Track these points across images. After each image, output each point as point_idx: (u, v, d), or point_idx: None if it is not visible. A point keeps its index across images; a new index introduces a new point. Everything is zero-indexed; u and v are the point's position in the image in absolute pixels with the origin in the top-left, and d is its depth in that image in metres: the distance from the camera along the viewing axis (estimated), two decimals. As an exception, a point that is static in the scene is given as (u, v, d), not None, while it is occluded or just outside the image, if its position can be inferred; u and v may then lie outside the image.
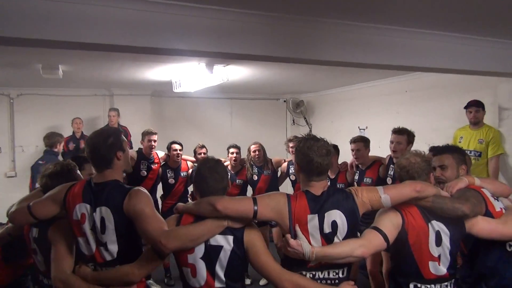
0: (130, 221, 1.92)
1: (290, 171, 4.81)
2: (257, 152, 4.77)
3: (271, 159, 4.95)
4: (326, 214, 1.91)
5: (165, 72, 5.37)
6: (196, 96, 7.37)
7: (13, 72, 5.19)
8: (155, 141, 4.65)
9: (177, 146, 4.73)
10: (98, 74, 5.56)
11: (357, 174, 4.14)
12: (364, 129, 6.95)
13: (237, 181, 4.82)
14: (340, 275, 1.97)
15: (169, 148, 4.78)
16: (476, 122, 4.38)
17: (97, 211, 1.95)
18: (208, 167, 2.02)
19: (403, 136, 3.78)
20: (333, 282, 1.96)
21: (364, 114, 7.02)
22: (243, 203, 1.91)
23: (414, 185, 2.01)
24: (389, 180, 3.87)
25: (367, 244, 1.90)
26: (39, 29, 2.25)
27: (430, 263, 2.01)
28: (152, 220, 1.89)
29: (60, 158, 5.25)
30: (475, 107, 4.35)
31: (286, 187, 5.27)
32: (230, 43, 2.75)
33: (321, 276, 1.94)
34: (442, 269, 2.03)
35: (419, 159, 2.17)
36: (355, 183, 4.13)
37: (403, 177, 2.16)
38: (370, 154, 4.15)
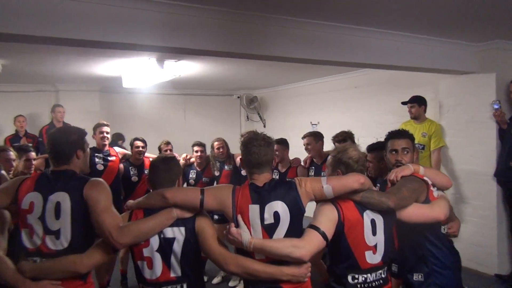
0: (87, 209, 1.91)
1: None
2: (221, 149, 4.71)
3: (233, 155, 4.92)
4: (267, 205, 1.93)
5: (114, 67, 5.20)
6: (148, 92, 7.22)
7: None
8: (107, 132, 4.40)
9: (139, 143, 4.52)
10: (42, 69, 5.30)
11: (312, 169, 4.21)
12: (316, 124, 7.12)
13: (203, 179, 4.74)
14: None
15: (131, 144, 4.56)
16: (414, 117, 4.64)
17: (52, 197, 1.92)
18: (160, 159, 2.12)
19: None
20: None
21: (316, 110, 7.19)
22: (190, 193, 1.97)
23: (358, 177, 2.03)
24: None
25: (307, 246, 1.88)
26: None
27: (366, 253, 2.04)
28: (108, 214, 1.90)
29: None
30: (410, 103, 4.65)
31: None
32: (181, 38, 2.72)
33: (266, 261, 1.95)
34: (377, 258, 2.07)
35: (360, 152, 2.23)
36: None
37: (351, 169, 2.15)
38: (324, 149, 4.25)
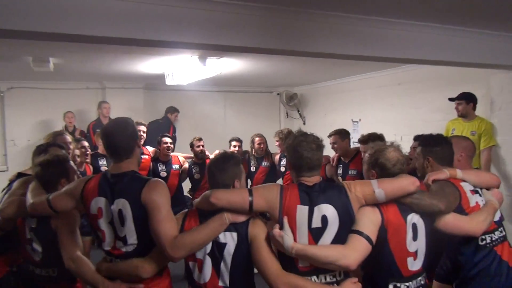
0: (147, 213, 1.87)
1: (282, 163, 4.83)
2: (262, 145, 4.80)
3: (272, 153, 4.97)
4: (316, 208, 1.83)
5: (158, 65, 5.32)
6: (189, 89, 7.33)
7: (3, 66, 5.12)
8: (144, 131, 4.59)
9: (167, 139, 4.72)
10: (90, 67, 5.50)
11: (340, 167, 4.14)
12: (357, 122, 6.97)
13: None
14: (338, 278, 1.87)
15: (159, 141, 4.74)
16: (461, 115, 4.43)
17: (115, 204, 1.89)
18: (214, 160, 2.02)
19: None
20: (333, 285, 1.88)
21: (357, 107, 7.04)
22: (237, 194, 1.86)
23: (412, 179, 1.92)
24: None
25: (354, 253, 1.78)
26: (28, 20, 2.21)
27: (408, 260, 1.96)
28: (164, 224, 1.82)
29: None
30: (458, 99, 4.43)
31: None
32: (224, 35, 2.73)
33: (317, 281, 1.85)
34: (418, 264, 2.00)
35: (399, 154, 2.11)
36: (339, 177, 4.13)
37: (386, 172, 2.04)
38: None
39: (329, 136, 4.10)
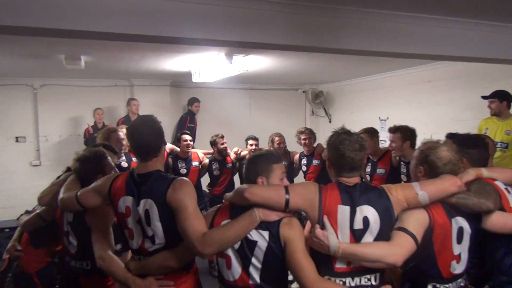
0: (173, 212, 1.86)
1: (302, 163, 4.81)
2: (281, 145, 4.81)
3: (290, 152, 4.97)
4: (358, 208, 1.77)
5: (185, 62, 5.38)
6: (215, 87, 7.39)
7: (37, 63, 5.29)
8: (191, 141, 4.78)
9: (188, 137, 4.81)
10: (119, 65, 5.62)
11: (369, 166, 4.09)
12: (385, 120, 6.85)
13: None
14: (373, 282, 1.81)
15: (179, 138, 4.84)
16: (495, 114, 4.28)
17: (141, 204, 1.89)
18: (249, 158, 2.03)
19: (396, 134, 3.79)
20: None
21: (385, 105, 6.92)
22: (273, 191, 1.81)
23: (455, 180, 1.87)
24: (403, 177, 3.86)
25: (399, 250, 1.72)
26: (61, 19, 2.27)
27: (452, 263, 1.91)
28: (191, 220, 1.79)
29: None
30: (490, 98, 4.27)
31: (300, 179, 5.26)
32: (251, 32, 2.72)
33: (352, 284, 1.79)
34: (461, 267, 1.95)
35: (452, 154, 2.04)
36: (367, 175, 4.07)
37: (435, 171, 1.97)
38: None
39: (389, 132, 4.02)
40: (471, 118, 4.96)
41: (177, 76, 6.64)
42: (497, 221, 1.95)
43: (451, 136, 3.11)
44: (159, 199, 1.85)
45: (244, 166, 1.98)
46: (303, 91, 8.54)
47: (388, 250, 1.72)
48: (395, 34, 3.15)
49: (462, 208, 1.92)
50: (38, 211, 2.56)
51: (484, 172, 2.15)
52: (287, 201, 1.77)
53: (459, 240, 1.92)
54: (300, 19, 2.83)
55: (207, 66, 5.29)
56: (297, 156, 4.95)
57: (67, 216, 2.32)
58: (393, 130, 3.80)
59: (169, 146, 4.91)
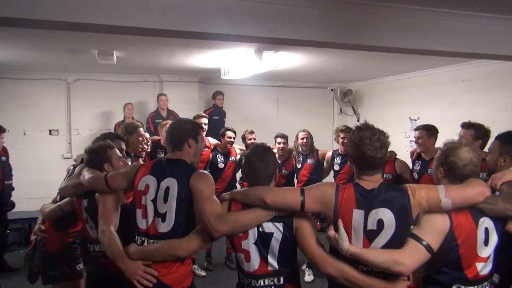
0: (191, 197, 2.04)
1: (335, 161, 4.71)
2: (305, 140, 4.72)
3: (317, 150, 4.87)
4: (373, 211, 1.79)
5: (214, 59, 5.40)
6: (243, 83, 7.39)
7: (71, 58, 5.43)
8: (205, 124, 4.68)
9: (231, 134, 4.80)
10: (149, 60, 5.70)
11: (418, 164, 3.99)
12: (415, 120, 6.68)
13: (283, 171, 4.79)
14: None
15: (223, 134, 4.83)
16: None
17: (164, 181, 2.08)
18: (256, 154, 2.03)
19: (423, 131, 3.87)
20: (377, 276, 1.83)
21: (416, 104, 6.74)
22: (290, 195, 1.88)
23: (483, 190, 1.82)
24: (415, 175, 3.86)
25: (409, 261, 1.72)
26: (95, 14, 2.33)
27: (477, 265, 1.88)
28: (210, 202, 1.98)
29: None
30: None
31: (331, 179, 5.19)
32: (282, 28, 2.70)
33: (364, 269, 1.83)
34: (487, 269, 1.92)
35: (473, 155, 1.96)
36: (414, 173, 3.97)
37: (455, 173, 1.92)
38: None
39: (416, 129, 3.99)
40: (507, 119, 4.77)
41: (205, 72, 6.68)
42: None
43: (468, 126, 3.18)
44: (182, 180, 2.06)
45: (253, 163, 2.02)
46: (332, 89, 8.43)
47: (397, 260, 1.72)
48: (430, 31, 3.06)
49: (487, 213, 1.88)
50: (59, 202, 2.78)
51: None
52: (302, 204, 1.84)
53: (486, 242, 1.88)
54: (333, 15, 2.79)
55: (236, 62, 5.28)
56: (329, 154, 4.81)
57: (83, 203, 2.50)
58: (467, 126, 3.61)
59: (214, 141, 4.97)
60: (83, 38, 4.00)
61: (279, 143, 4.76)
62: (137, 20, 2.42)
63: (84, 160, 2.57)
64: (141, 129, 3.61)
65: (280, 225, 1.91)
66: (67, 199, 2.69)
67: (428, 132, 3.89)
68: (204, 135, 4.62)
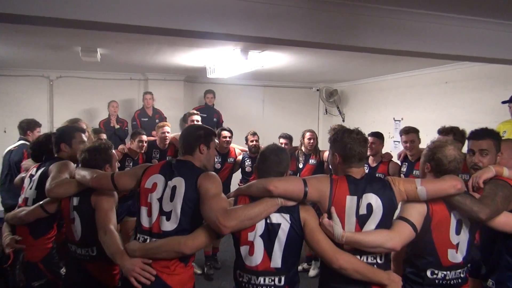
0: (198, 198, 2.03)
1: (328, 159, 4.72)
2: (312, 140, 4.71)
3: (320, 150, 4.87)
4: (364, 196, 1.96)
5: (200, 58, 5.37)
6: (229, 83, 7.37)
7: (54, 55, 5.33)
8: (197, 121, 4.64)
9: (227, 133, 4.70)
10: (134, 58, 5.64)
11: (405, 165, 4.05)
12: (399, 120, 6.76)
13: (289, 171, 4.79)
14: (378, 261, 1.99)
15: (219, 134, 4.69)
16: None
17: (172, 181, 2.08)
18: (272, 149, 2.15)
19: (414, 134, 3.94)
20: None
21: (400, 105, 6.82)
22: (294, 184, 1.98)
23: (455, 182, 1.99)
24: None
25: (398, 237, 1.92)
26: (78, 9, 2.28)
27: (449, 251, 2.06)
28: (217, 199, 1.98)
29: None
30: (511, 102, 4.14)
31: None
32: (269, 28, 2.70)
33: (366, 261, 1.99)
34: (459, 257, 2.08)
35: (458, 153, 2.14)
36: (402, 175, 4.03)
37: (441, 168, 2.10)
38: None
39: (407, 133, 4.03)
40: (488, 121, 4.84)
41: (191, 71, 6.64)
42: (498, 220, 2.07)
43: (447, 132, 3.46)
44: (190, 180, 2.06)
45: (269, 157, 2.12)
46: (317, 90, 8.47)
47: (388, 236, 1.91)
48: (415, 32, 3.10)
49: (456, 209, 2.05)
50: (40, 202, 2.57)
51: (505, 171, 2.21)
52: (305, 193, 1.96)
53: (458, 231, 2.07)
54: (319, 16, 2.80)
55: (222, 61, 5.27)
56: (326, 153, 4.81)
57: (72, 201, 2.40)
58: (446, 132, 3.69)
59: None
60: (66, 34, 3.93)
61: (282, 143, 4.72)
62: (121, 17, 2.38)
63: (81, 159, 2.49)
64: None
65: (287, 216, 1.97)
66: (49, 199, 2.50)
67: (418, 134, 4.01)
68: None
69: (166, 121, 5.60)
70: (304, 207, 2.02)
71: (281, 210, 1.97)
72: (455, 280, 2.08)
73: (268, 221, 1.97)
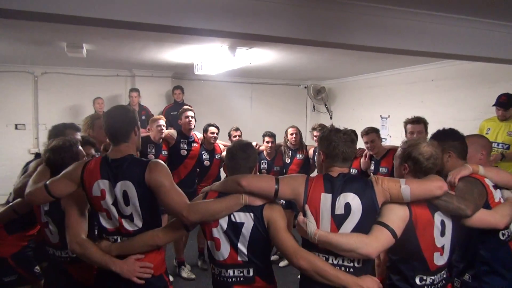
0: (152, 193, 1.99)
1: (316, 158, 4.76)
2: (294, 136, 4.77)
3: (306, 145, 4.93)
4: (341, 196, 1.90)
5: (187, 54, 5.34)
6: (217, 80, 7.35)
7: (39, 50, 5.25)
8: (192, 117, 4.57)
9: (214, 129, 4.66)
10: (121, 55, 5.58)
11: (372, 164, 4.08)
12: (386, 118, 6.83)
13: (275, 168, 4.85)
14: (356, 264, 1.90)
15: (206, 130, 4.67)
16: (505, 119, 4.23)
17: (118, 186, 1.98)
18: (238, 146, 2.13)
19: (421, 125, 3.66)
20: (347, 270, 1.90)
21: (387, 103, 6.89)
22: (265, 181, 1.97)
23: (441, 183, 1.94)
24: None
25: (375, 243, 1.82)
26: (62, 4, 2.23)
27: (435, 254, 2.01)
28: (173, 193, 1.96)
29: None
30: (501, 107, 4.17)
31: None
32: (255, 24, 2.68)
33: (334, 262, 1.90)
34: (444, 259, 2.05)
35: (433, 149, 2.08)
36: (371, 173, 4.05)
37: (420, 166, 2.03)
38: (393, 143, 4.08)
39: (367, 133, 4.00)
40: (473, 118, 4.94)
41: (179, 67, 6.60)
42: (475, 217, 2.04)
43: (418, 121, 3.51)
44: (137, 180, 1.97)
45: (236, 154, 2.10)
46: (305, 87, 8.50)
47: (363, 242, 1.81)
48: (402, 30, 3.12)
49: (441, 209, 2.01)
50: (11, 203, 2.52)
51: (481, 170, 2.22)
52: (276, 191, 1.93)
53: (442, 233, 2.02)
54: (307, 13, 2.80)
55: (210, 58, 5.24)
56: (311, 150, 4.87)
57: (43, 206, 2.26)
58: (417, 121, 3.65)
59: (200, 135, 4.76)
60: (50, 29, 3.87)
61: (268, 142, 4.80)
62: (107, 12, 2.34)
63: (46, 160, 2.28)
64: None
65: (251, 215, 1.97)
66: (21, 199, 2.39)
67: (378, 133, 4.00)
68: (192, 129, 4.58)
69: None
70: (270, 206, 1.98)
71: (245, 209, 1.96)
72: (441, 283, 2.05)
73: (232, 219, 1.97)
